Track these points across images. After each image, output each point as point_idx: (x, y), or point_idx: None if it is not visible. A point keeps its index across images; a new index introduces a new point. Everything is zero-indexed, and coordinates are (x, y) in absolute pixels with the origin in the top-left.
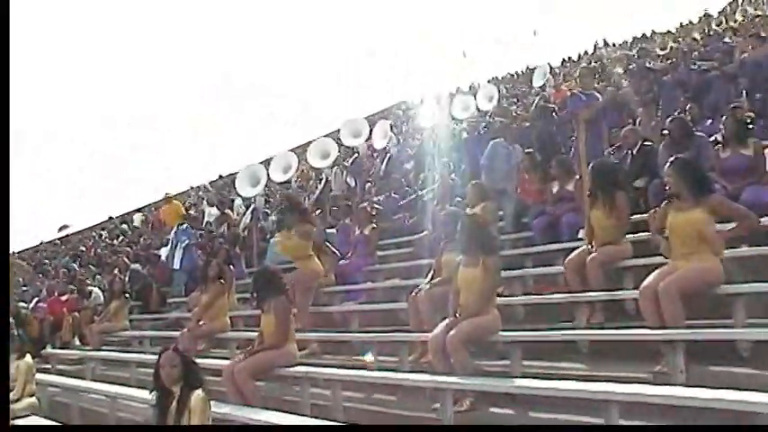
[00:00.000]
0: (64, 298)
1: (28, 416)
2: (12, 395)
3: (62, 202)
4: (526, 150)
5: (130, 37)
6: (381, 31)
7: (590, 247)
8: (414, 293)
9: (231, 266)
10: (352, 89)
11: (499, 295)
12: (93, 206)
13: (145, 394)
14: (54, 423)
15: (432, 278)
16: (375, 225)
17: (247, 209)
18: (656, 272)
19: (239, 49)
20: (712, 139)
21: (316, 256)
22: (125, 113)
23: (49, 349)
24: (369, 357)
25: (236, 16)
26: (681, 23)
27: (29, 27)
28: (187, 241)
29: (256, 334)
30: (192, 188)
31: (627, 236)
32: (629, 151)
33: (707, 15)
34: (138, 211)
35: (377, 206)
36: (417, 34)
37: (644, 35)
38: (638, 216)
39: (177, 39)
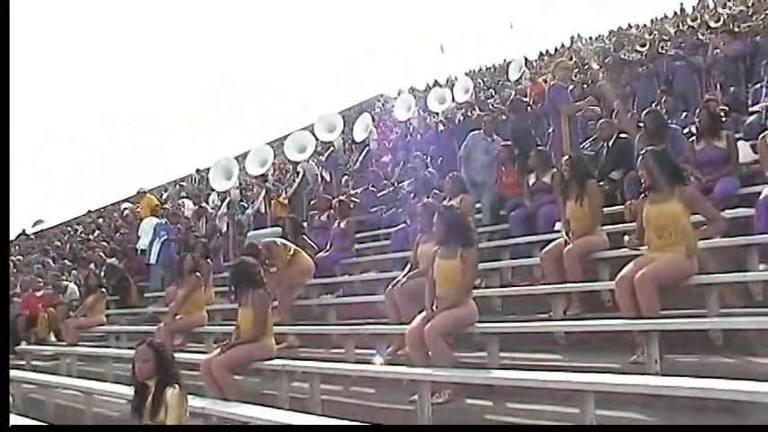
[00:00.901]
0: (39, 293)
1: None
2: None
3: (63, 201)
4: (503, 143)
5: (131, 37)
6: (379, 31)
7: (567, 238)
8: (391, 286)
9: (208, 260)
10: (352, 89)
11: (476, 287)
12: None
13: (122, 389)
14: (32, 422)
15: (409, 270)
16: (352, 218)
17: (223, 202)
18: (632, 263)
19: (239, 48)
20: (686, 131)
21: (302, 252)
22: (125, 113)
23: (23, 345)
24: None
25: (235, 16)
26: (656, 17)
27: (29, 26)
28: (166, 236)
29: (234, 327)
30: (168, 182)
31: (603, 227)
32: (605, 143)
33: (682, 11)
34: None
35: (354, 199)
36: (416, 33)
37: (620, 28)
38: (614, 208)
39: (177, 38)
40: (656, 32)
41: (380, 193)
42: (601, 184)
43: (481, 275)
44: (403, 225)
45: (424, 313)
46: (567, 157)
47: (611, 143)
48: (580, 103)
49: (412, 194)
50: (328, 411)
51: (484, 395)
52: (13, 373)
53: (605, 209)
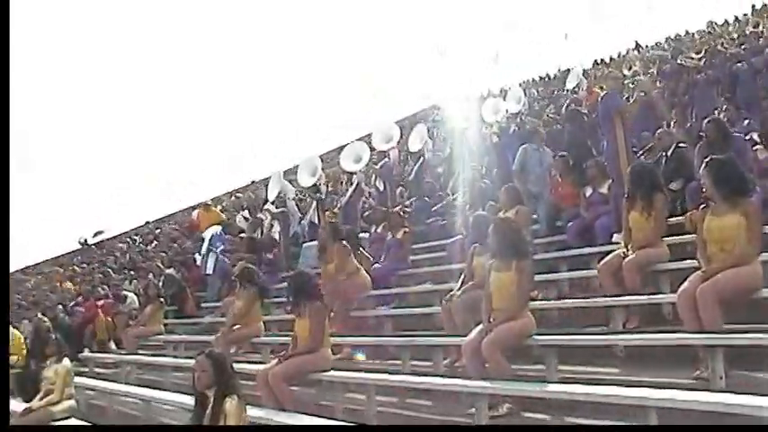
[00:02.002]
0: (100, 302)
1: (67, 418)
2: (51, 398)
3: (104, 208)
4: (560, 154)
5: (195, 54)
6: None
7: (626, 249)
8: (447, 298)
9: (264, 272)
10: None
11: (533, 299)
12: (132, 212)
13: (180, 398)
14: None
15: (464, 283)
16: (407, 229)
17: (277, 213)
18: (694, 275)
19: (295, 59)
20: (748, 138)
21: (363, 269)
22: (183, 124)
23: (86, 353)
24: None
25: (297, 26)
26: (715, 23)
27: (73, 39)
28: (221, 246)
29: (290, 338)
30: (225, 194)
31: (664, 239)
32: (664, 154)
33: (736, 20)
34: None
35: (409, 210)
36: (451, 38)
37: (677, 35)
38: (675, 219)
39: (237, 53)
40: (714, 40)
41: (435, 205)
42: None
43: (538, 287)
44: (458, 236)
45: (481, 326)
46: (633, 165)
47: (669, 153)
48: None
49: (467, 206)
50: (384, 422)
51: (542, 409)
52: (76, 379)
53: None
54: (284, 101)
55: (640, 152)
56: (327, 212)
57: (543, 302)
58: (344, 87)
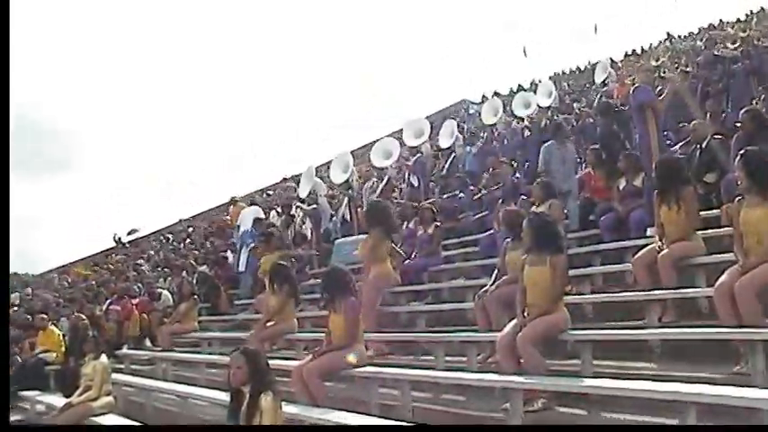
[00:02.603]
0: (135, 300)
1: (106, 413)
2: (90, 394)
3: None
4: (591, 147)
5: (221, 50)
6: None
7: (661, 243)
8: (480, 293)
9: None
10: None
11: (567, 294)
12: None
13: (215, 394)
14: (128, 422)
15: (497, 278)
16: (439, 224)
17: (309, 211)
18: (731, 269)
19: (324, 56)
20: None
21: (389, 261)
22: (212, 123)
23: (123, 350)
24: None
25: (326, 21)
26: (751, 11)
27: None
28: (253, 243)
29: (324, 334)
30: (256, 191)
31: (698, 232)
32: (698, 146)
33: None
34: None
35: (441, 206)
36: (478, 32)
37: (711, 25)
38: (710, 212)
39: (264, 51)
40: (750, 28)
41: (470, 199)
42: (695, 187)
43: (572, 282)
44: (490, 231)
45: (515, 321)
46: (660, 159)
47: (704, 145)
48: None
49: (499, 200)
50: (419, 418)
51: (578, 404)
52: (114, 376)
53: (700, 213)
54: (284, 100)
55: (676, 144)
56: (360, 209)
57: (578, 297)
58: (344, 87)
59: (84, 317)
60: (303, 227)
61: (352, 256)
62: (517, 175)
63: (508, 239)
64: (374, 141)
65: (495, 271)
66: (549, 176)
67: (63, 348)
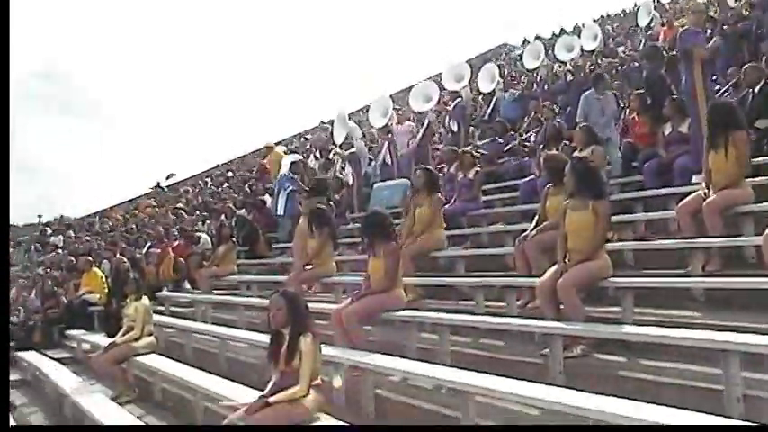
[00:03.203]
0: (174, 244)
1: (148, 353)
2: (132, 334)
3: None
4: (636, 92)
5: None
6: None
7: (707, 191)
8: (521, 238)
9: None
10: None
11: (609, 240)
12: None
13: (253, 336)
14: (173, 362)
15: (538, 223)
16: (479, 169)
17: (348, 156)
18: None
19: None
20: None
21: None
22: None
23: (163, 292)
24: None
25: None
26: None
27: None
28: (291, 188)
29: (363, 278)
30: (294, 135)
31: (747, 180)
32: (750, 90)
33: None
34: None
35: (481, 150)
36: None
37: None
38: (760, 159)
39: None
40: None
41: (508, 145)
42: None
43: (614, 228)
44: (531, 177)
45: (555, 266)
46: (712, 104)
47: (756, 89)
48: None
49: (540, 145)
50: (457, 363)
51: (618, 351)
52: (155, 317)
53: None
54: (321, 42)
55: (725, 89)
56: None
57: (619, 244)
58: (383, 28)
59: (125, 260)
60: (343, 171)
61: (392, 201)
62: (558, 119)
63: (549, 185)
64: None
65: (536, 216)
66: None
67: (106, 290)
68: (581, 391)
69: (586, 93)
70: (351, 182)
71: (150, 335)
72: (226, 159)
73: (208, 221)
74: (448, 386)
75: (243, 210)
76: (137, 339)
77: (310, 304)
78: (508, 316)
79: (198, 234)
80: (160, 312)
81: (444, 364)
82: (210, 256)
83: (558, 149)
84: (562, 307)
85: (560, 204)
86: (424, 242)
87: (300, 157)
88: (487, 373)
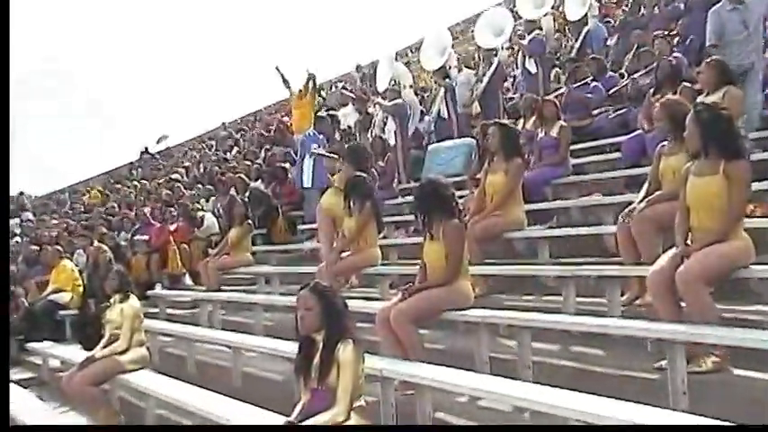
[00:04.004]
0: (171, 227)
1: (138, 369)
2: (117, 345)
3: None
4: None
5: None
6: None
7: None
8: (625, 214)
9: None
10: None
11: (748, 216)
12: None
13: (276, 344)
14: (164, 380)
15: (648, 193)
16: (566, 124)
17: (391, 108)
18: None
19: None
20: None
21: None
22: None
23: (156, 290)
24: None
25: None
26: None
27: None
28: (318, 149)
29: (417, 268)
30: (324, 82)
31: None
32: None
33: None
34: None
35: (568, 98)
36: None
37: None
38: None
39: None
40: None
41: (608, 89)
42: None
43: (754, 200)
44: (637, 132)
45: (673, 250)
46: None
47: None
48: None
49: (651, 88)
50: (541, 377)
51: (763, 366)
52: (147, 322)
53: None
54: None
55: None
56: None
57: (764, 219)
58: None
59: (105, 248)
60: (385, 129)
61: (453, 166)
62: (676, 54)
63: (664, 142)
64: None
65: (646, 184)
66: (724, 52)
67: (80, 288)
68: (713, 418)
69: (716, 6)
70: (393, 142)
71: (140, 345)
72: (235, 117)
73: (213, 197)
74: (530, 409)
75: (258, 181)
76: (123, 352)
77: (349, 302)
78: (608, 316)
79: (201, 214)
80: (153, 316)
81: (525, 380)
82: (218, 242)
83: (675, 93)
84: (684, 305)
85: (680, 167)
86: (498, 220)
87: (328, 113)
88: (581, 391)
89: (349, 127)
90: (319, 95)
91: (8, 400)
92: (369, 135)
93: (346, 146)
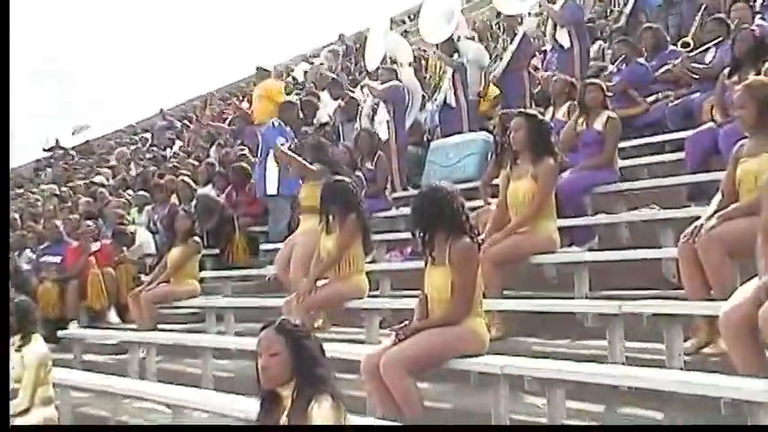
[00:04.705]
0: (95, 246)
1: None
2: (15, 404)
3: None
4: None
5: None
6: None
7: None
8: (687, 233)
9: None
10: None
11: None
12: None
13: (230, 400)
14: None
15: (721, 206)
16: (613, 114)
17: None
18: None
19: None
20: None
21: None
22: None
23: (71, 329)
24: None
25: None
26: None
27: None
28: (285, 143)
29: (416, 301)
30: (296, 57)
31: None
32: None
33: None
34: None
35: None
36: None
37: None
38: None
39: None
40: None
41: (662, 70)
42: None
43: None
44: (708, 125)
45: (755, 281)
46: None
47: None
48: None
49: (723, 68)
50: None
51: None
52: (56, 373)
53: None
54: None
55: None
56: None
57: None
58: None
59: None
60: (374, 119)
61: (462, 169)
62: (760, 20)
63: (743, 139)
64: None
65: (718, 195)
66: None
67: None
68: None
69: None
70: (386, 137)
71: (48, 404)
72: (177, 102)
73: (148, 207)
74: None
75: (209, 186)
76: (23, 412)
77: (327, 346)
78: (667, 368)
79: (132, 228)
80: (66, 364)
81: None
82: (154, 265)
83: (759, 74)
84: None
85: (764, 173)
86: (522, 240)
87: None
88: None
89: (329, 116)
90: (289, 75)
91: (8, 400)
92: (354, 128)
93: (302, 142)
